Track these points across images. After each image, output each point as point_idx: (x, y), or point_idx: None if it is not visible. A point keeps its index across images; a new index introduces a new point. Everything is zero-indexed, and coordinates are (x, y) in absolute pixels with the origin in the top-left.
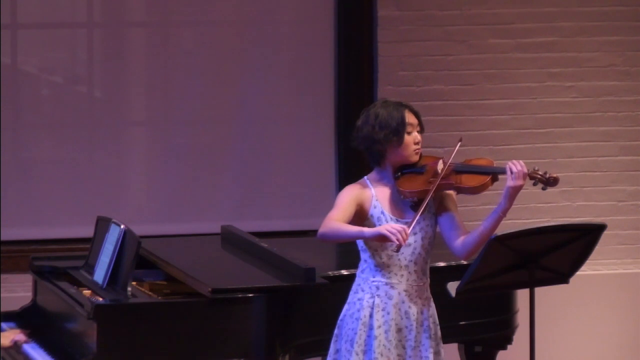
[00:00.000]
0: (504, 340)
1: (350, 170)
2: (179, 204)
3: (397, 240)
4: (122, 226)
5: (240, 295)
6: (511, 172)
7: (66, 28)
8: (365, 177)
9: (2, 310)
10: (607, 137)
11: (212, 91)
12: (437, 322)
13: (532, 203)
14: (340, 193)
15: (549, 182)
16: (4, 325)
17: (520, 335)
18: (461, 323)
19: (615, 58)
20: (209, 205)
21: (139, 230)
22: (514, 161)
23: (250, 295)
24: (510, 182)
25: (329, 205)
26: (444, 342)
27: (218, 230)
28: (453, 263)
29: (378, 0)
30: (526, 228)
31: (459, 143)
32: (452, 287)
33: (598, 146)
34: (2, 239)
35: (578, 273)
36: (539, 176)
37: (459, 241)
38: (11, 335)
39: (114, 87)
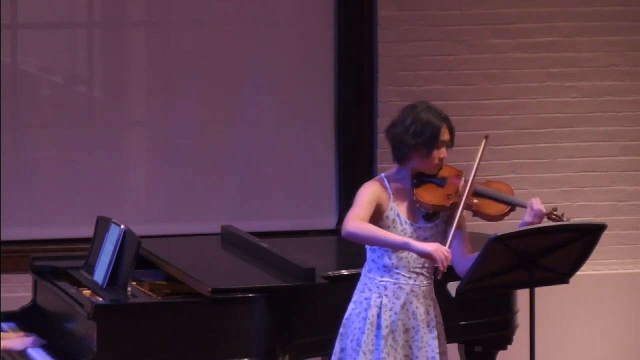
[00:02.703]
0: (504, 340)
1: (350, 170)
2: (179, 204)
3: (443, 267)
4: (122, 226)
5: (240, 295)
6: (532, 209)
7: (66, 28)
8: (383, 174)
9: (2, 310)
10: (607, 137)
11: (212, 91)
12: (442, 322)
13: None
14: (361, 189)
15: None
16: (4, 325)
17: (520, 335)
18: (461, 323)
19: (615, 58)
20: (209, 205)
21: (139, 230)
22: (537, 199)
23: (251, 295)
24: (528, 218)
25: (329, 205)
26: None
27: (218, 230)
28: None
29: (378, 0)
30: (526, 228)
31: (482, 148)
32: (452, 287)
33: (598, 146)
34: (2, 239)
35: (578, 273)
36: (555, 217)
37: (462, 259)
38: (14, 336)
39: (114, 87)
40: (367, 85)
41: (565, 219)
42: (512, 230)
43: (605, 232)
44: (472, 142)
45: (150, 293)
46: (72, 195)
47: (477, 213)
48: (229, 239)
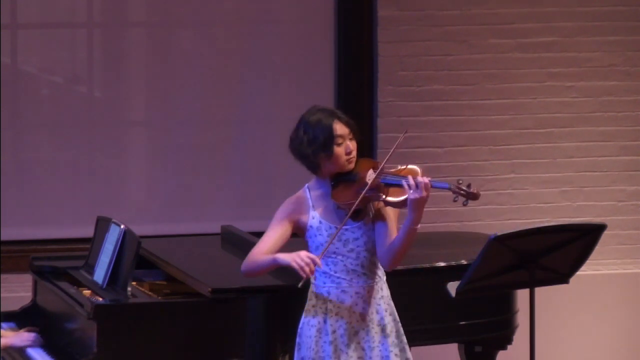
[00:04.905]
0: (504, 340)
1: None
2: (179, 204)
3: (305, 273)
4: (122, 226)
5: (240, 296)
6: (407, 186)
7: (66, 28)
8: (307, 185)
9: (2, 310)
10: (607, 137)
11: (212, 91)
12: (398, 319)
13: (532, 203)
14: (277, 211)
15: (470, 195)
16: (4, 325)
17: (520, 335)
18: (461, 323)
19: (615, 58)
20: (209, 205)
21: (139, 230)
22: (422, 177)
23: (251, 295)
24: (410, 195)
25: None
26: (444, 342)
27: (218, 230)
28: (453, 263)
29: (378, 0)
30: (526, 228)
31: (398, 141)
32: (452, 287)
33: (598, 146)
34: (2, 239)
35: (578, 273)
36: (461, 190)
37: (382, 251)
38: (14, 334)
39: (114, 87)
40: (367, 85)
41: (474, 190)
42: (512, 230)
43: (605, 232)
44: (472, 142)
45: (150, 293)
46: (72, 195)
47: (386, 203)
48: (229, 239)
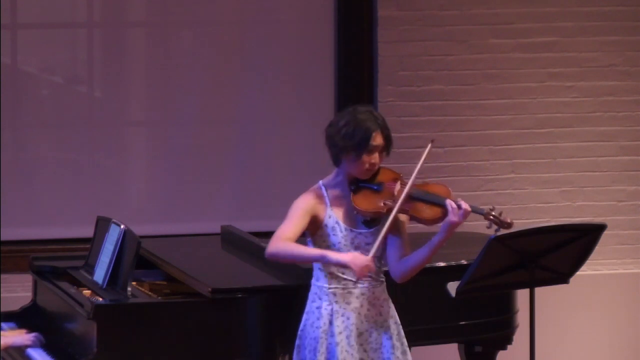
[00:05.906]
0: (504, 340)
1: None
2: (179, 204)
3: (360, 275)
4: (122, 226)
5: (240, 295)
6: (451, 209)
7: (66, 28)
8: (321, 182)
9: (2, 310)
10: (607, 137)
11: (212, 91)
12: (399, 322)
13: (532, 203)
14: (294, 203)
15: (503, 224)
16: (4, 325)
17: (520, 335)
18: (461, 323)
19: (615, 58)
20: (209, 205)
21: (139, 230)
22: (461, 200)
23: (250, 295)
24: (452, 217)
25: None
26: (444, 342)
27: (218, 230)
28: (453, 263)
29: (378, 0)
30: (526, 228)
31: (426, 152)
32: (452, 287)
33: (598, 146)
34: (2, 239)
35: (578, 273)
36: (492, 217)
37: (396, 263)
38: (15, 334)
39: (114, 87)
40: (367, 85)
41: (507, 220)
42: (512, 230)
43: (605, 232)
44: (472, 142)
45: (150, 293)
46: (72, 195)
47: (413, 218)
48: (229, 239)
